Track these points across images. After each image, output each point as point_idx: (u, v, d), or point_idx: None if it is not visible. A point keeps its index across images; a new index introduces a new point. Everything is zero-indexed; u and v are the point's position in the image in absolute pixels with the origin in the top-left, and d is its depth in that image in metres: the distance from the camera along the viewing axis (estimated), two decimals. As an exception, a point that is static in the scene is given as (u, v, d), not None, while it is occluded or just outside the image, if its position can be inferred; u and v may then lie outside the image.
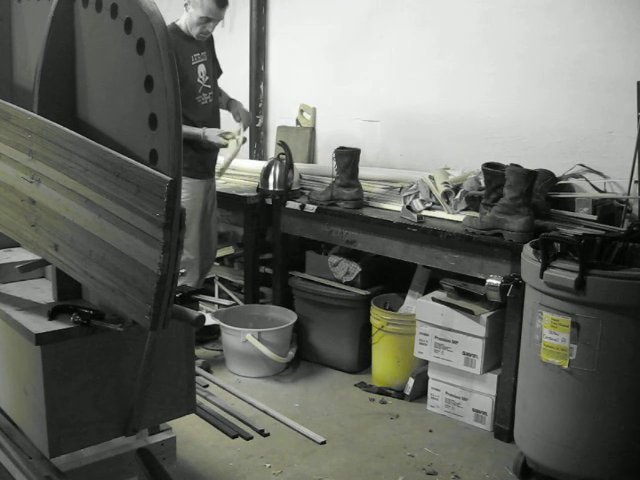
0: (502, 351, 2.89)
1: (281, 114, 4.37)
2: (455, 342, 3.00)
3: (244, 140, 3.29)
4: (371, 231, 3.23)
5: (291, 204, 3.50)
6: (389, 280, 3.56)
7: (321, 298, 3.52)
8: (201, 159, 3.36)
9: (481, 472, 2.68)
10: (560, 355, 2.37)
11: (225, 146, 3.23)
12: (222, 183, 3.95)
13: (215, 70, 3.49)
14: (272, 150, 4.41)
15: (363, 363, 3.50)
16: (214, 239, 3.62)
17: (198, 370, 3.38)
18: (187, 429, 2.79)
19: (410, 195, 3.25)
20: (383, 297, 3.46)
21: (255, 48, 4.33)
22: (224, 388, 3.31)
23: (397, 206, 3.25)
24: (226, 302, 4.12)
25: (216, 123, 3.44)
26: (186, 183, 3.16)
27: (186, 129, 3.00)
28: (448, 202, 3.16)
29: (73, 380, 1.50)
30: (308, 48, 4.15)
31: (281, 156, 3.64)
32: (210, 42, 3.42)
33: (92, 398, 1.53)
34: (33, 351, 1.48)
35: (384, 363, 3.34)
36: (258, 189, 3.71)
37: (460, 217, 3.04)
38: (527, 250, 2.54)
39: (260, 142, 4.48)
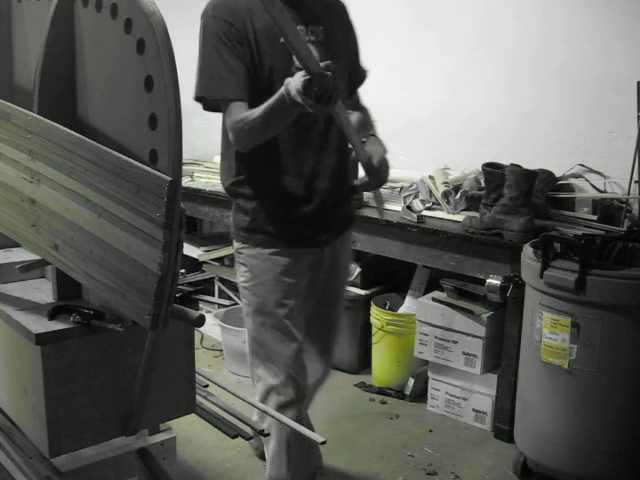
0: (502, 351, 2.90)
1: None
2: (455, 342, 3.00)
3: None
4: (371, 231, 3.23)
5: (291, 204, 3.50)
6: (389, 280, 3.56)
7: (321, 298, 3.52)
8: (283, 209, 2.03)
9: (481, 472, 2.68)
10: (560, 355, 2.37)
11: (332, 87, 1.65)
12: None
13: (345, 65, 2.12)
14: (272, 150, 4.40)
15: (363, 363, 3.50)
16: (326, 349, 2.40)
17: (198, 370, 3.37)
18: (187, 429, 2.79)
19: (410, 195, 3.25)
20: (383, 297, 3.46)
21: (255, 48, 4.32)
22: (224, 388, 3.30)
23: (397, 206, 3.25)
24: (226, 302, 4.10)
25: (325, 158, 2.05)
26: (248, 255, 2.08)
27: (254, 112, 1.83)
28: (448, 202, 3.16)
29: (73, 380, 1.50)
30: (308, 48, 4.14)
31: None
32: (336, 14, 2.16)
33: (92, 398, 1.53)
34: (33, 351, 1.48)
35: (384, 363, 3.34)
36: (258, 189, 3.70)
37: (460, 217, 3.04)
38: (527, 250, 2.54)
39: (260, 142, 4.47)
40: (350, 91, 2.23)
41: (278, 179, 2.01)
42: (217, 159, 3.92)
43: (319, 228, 2.09)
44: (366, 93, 3.92)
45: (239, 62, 1.90)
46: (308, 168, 2.02)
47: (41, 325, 1.50)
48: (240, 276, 2.13)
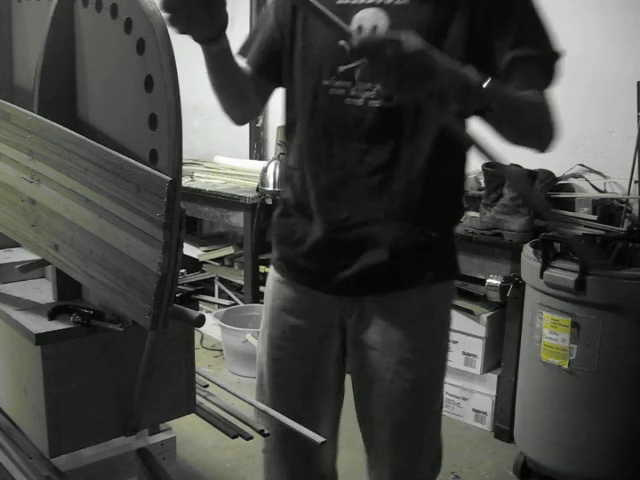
0: (502, 351, 2.90)
1: (281, 114, 4.36)
2: (455, 342, 3.00)
3: None
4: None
5: (291, 204, 3.50)
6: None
7: (321, 298, 3.52)
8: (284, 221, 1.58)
9: (481, 472, 2.68)
10: (560, 355, 2.37)
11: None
12: (222, 183, 3.95)
13: (456, 38, 1.39)
14: (272, 150, 4.40)
15: (363, 363, 3.50)
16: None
17: (198, 370, 3.38)
18: (187, 429, 2.78)
19: (410, 195, 3.25)
20: (383, 297, 3.45)
21: (255, 48, 4.32)
22: (224, 388, 3.30)
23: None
24: (226, 302, 4.12)
25: (358, 175, 1.42)
26: (269, 272, 1.68)
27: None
28: (448, 202, 3.16)
29: (73, 380, 1.50)
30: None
31: (281, 156, 3.64)
32: None
33: (92, 398, 1.53)
34: (33, 351, 1.48)
35: (384, 363, 3.34)
36: (258, 189, 3.71)
37: (460, 217, 3.04)
38: (527, 250, 2.54)
39: (260, 142, 4.48)
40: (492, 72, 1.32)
41: (292, 189, 1.54)
42: (217, 159, 3.94)
43: (325, 268, 1.48)
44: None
45: (265, 23, 1.63)
46: (321, 183, 1.45)
47: (41, 325, 1.50)
48: None
